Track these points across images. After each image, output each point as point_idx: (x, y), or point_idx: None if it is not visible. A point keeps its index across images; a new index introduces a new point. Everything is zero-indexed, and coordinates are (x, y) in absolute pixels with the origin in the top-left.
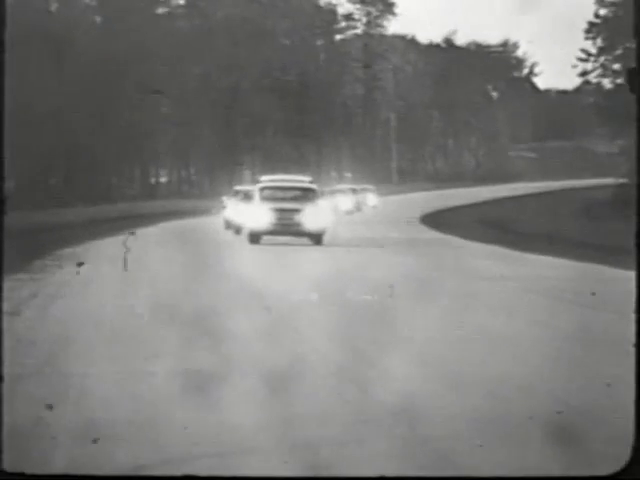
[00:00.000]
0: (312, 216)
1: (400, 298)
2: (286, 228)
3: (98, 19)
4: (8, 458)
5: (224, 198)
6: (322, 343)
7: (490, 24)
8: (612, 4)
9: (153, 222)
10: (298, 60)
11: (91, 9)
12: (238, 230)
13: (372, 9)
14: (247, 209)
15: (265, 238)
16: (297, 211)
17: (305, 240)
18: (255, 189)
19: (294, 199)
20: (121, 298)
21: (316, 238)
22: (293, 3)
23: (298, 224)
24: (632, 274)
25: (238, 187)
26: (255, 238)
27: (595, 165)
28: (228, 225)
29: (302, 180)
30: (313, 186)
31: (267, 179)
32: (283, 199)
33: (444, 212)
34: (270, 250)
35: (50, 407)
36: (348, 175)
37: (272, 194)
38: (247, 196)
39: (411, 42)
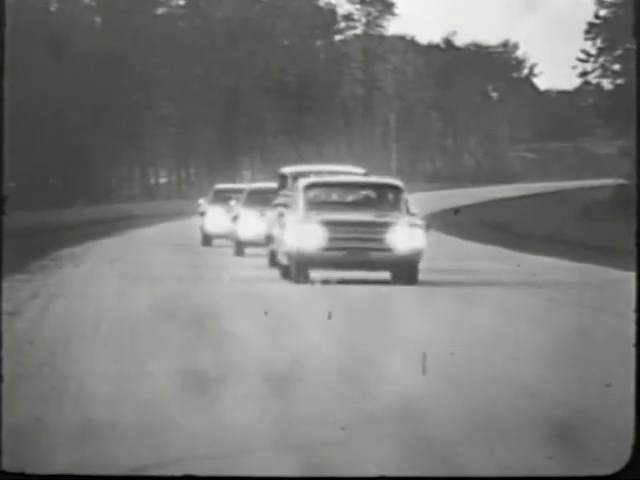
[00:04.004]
0: (406, 234)
1: None
2: (360, 255)
3: (98, 19)
4: (8, 458)
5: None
6: None
7: (490, 25)
8: (612, 5)
9: (148, 224)
10: (298, 60)
11: (91, 9)
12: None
13: (372, 9)
14: (286, 223)
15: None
16: (381, 226)
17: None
18: (297, 188)
19: (367, 205)
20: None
21: (409, 271)
22: (293, 3)
23: (384, 248)
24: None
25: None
26: (300, 271)
27: (595, 166)
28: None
29: (356, 172)
30: (398, 182)
31: (292, 171)
32: (348, 205)
33: (445, 213)
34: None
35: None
36: None
37: (325, 196)
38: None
39: (411, 42)
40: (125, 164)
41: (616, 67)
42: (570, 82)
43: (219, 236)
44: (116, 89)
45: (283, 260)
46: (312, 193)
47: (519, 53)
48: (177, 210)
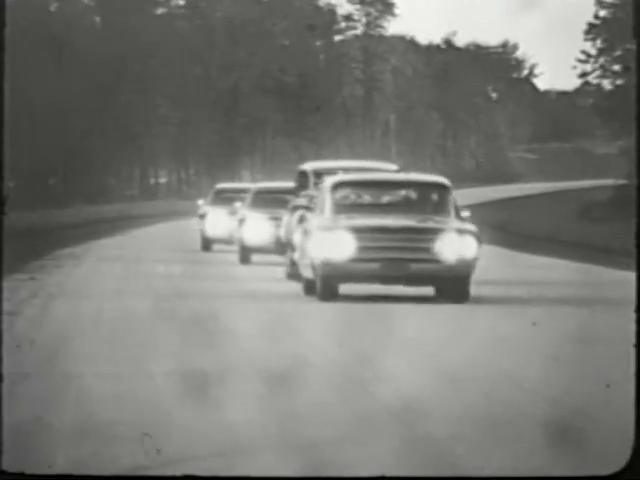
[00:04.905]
0: (454, 242)
1: None
2: (400, 267)
3: (97, 19)
4: (8, 458)
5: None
6: None
7: (490, 25)
8: (612, 5)
9: (146, 224)
10: (298, 61)
11: (90, 9)
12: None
13: (372, 10)
14: (310, 229)
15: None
16: (424, 232)
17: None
18: (322, 188)
19: (407, 207)
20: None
21: (458, 286)
22: (293, 4)
23: (428, 259)
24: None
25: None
26: (328, 286)
27: (594, 166)
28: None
29: (388, 169)
30: (444, 180)
31: (313, 168)
32: (383, 208)
33: None
34: None
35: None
36: None
37: (355, 197)
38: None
39: (411, 43)
40: (125, 164)
41: (616, 67)
42: (570, 82)
43: (221, 241)
44: (116, 89)
45: (306, 273)
46: (340, 193)
47: (519, 53)
48: (176, 210)
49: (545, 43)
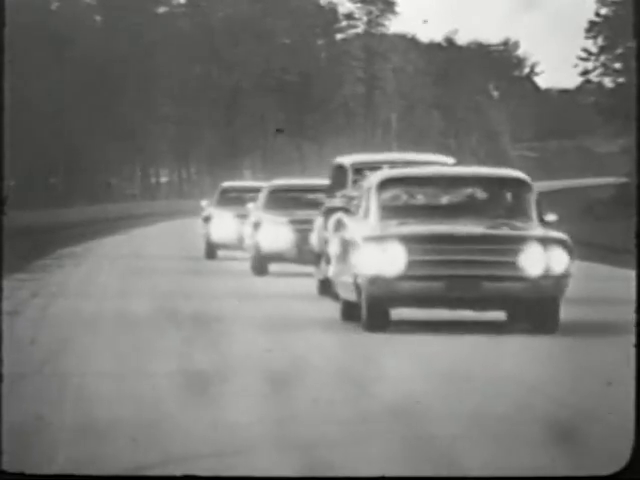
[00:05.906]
0: (538, 254)
1: None
2: (468, 287)
3: (98, 18)
4: (8, 458)
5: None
6: None
7: (491, 23)
8: (613, 3)
9: (147, 224)
10: (299, 59)
11: (92, 8)
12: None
13: (373, 8)
14: (352, 238)
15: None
16: (499, 242)
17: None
18: (367, 187)
19: (475, 210)
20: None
21: (544, 312)
22: (294, 2)
23: (504, 276)
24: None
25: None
26: (376, 310)
27: (596, 164)
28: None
29: (444, 162)
30: (522, 175)
31: (353, 162)
32: (445, 211)
33: None
34: None
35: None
36: None
37: (408, 197)
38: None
39: (412, 41)
40: (126, 163)
41: (617, 65)
42: (571, 80)
43: (228, 247)
44: (117, 88)
45: (345, 293)
46: (390, 193)
47: (520, 52)
48: (178, 209)
49: (546, 41)
